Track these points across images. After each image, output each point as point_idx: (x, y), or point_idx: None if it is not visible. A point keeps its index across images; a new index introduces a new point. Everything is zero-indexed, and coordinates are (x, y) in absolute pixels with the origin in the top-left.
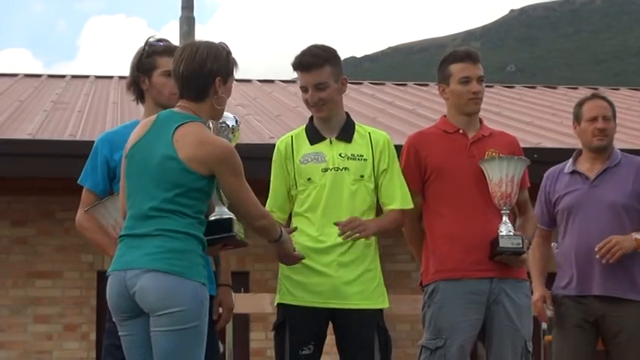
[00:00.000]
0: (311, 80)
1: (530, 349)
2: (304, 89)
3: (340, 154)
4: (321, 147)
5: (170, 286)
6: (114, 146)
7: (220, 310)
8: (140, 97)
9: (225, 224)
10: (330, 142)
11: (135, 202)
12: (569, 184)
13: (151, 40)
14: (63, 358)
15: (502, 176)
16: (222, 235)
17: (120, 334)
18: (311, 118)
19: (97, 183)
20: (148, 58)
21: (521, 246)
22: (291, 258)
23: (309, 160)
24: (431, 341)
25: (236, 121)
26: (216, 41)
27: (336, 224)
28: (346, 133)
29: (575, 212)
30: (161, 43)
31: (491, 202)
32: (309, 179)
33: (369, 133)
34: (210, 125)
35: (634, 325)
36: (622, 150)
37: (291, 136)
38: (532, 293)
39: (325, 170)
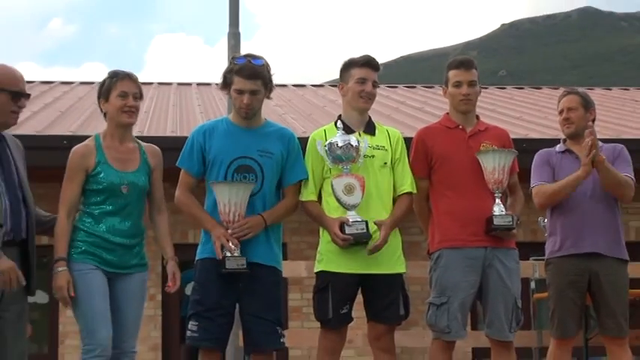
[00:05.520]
0: (373, 77)
1: (520, 305)
2: (363, 81)
3: (368, 145)
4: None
5: None
6: (206, 136)
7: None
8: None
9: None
10: (360, 135)
11: None
12: (562, 162)
13: (236, 56)
14: None
15: (495, 165)
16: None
17: None
18: (339, 116)
19: (192, 165)
20: (228, 74)
21: (511, 223)
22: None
23: None
24: (437, 298)
25: (358, 142)
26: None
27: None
28: (371, 128)
29: None
30: (242, 61)
31: (484, 185)
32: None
33: (387, 130)
34: (339, 142)
35: (617, 280)
36: None
37: (324, 130)
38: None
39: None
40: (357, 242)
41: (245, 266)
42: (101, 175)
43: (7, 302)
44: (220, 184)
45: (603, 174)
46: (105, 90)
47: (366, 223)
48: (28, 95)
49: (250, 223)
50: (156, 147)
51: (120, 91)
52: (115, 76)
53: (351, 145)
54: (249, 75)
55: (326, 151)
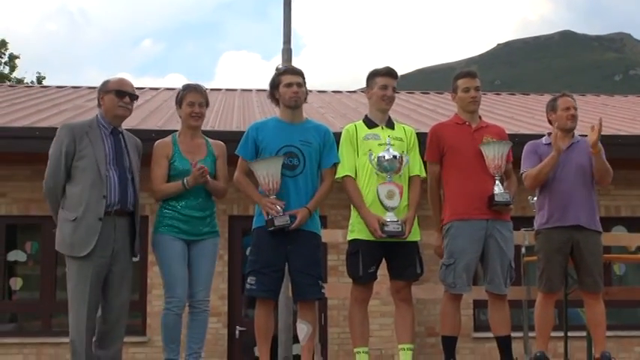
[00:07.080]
0: (393, 84)
1: (513, 265)
2: (385, 87)
3: (389, 136)
4: (376, 131)
5: None
6: (259, 131)
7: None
8: (277, 102)
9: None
10: (382, 128)
11: None
12: (548, 152)
13: (279, 66)
14: None
15: (495, 154)
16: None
17: None
18: (366, 115)
19: (247, 153)
20: (276, 77)
21: (509, 200)
22: None
23: (370, 138)
24: (447, 260)
25: (402, 156)
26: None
27: None
28: (390, 124)
29: (556, 170)
30: (284, 67)
31: (486, 170)
32: (369, 150)
33: (403, 126)
34: (386, 156)
35: (594, 247)
36: None
37: (355, 125)
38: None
39: (380, 145)
40: (391, 237)
41: (289, 222)
42: (176, 163)
43: (116, 259)
44: (257, 161)
45: (598, 162)
46: (179, 99)
47: (402, 224)
48: (134, 95)
49: (300, 217)
50: (220, 142)
51: (189, 100)
52: (186, 89)
53: (396, 158)
54: (294, 72)
55: (376, 162)
